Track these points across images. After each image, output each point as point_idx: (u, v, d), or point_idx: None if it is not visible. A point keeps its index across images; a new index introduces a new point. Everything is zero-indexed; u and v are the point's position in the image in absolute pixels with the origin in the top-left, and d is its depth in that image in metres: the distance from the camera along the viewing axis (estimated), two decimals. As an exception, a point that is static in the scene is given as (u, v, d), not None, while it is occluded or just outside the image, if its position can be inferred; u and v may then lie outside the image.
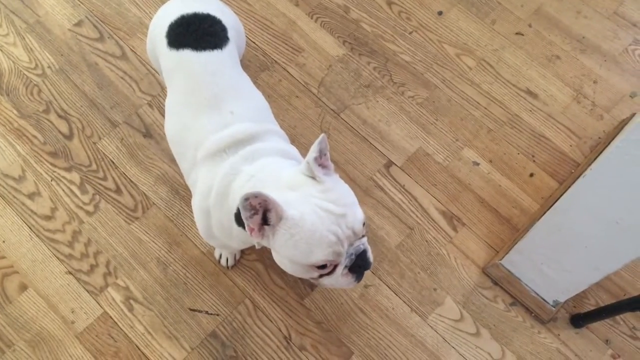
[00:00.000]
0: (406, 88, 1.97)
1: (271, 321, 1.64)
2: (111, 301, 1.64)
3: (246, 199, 1.03)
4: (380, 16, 2.09)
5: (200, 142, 1.29)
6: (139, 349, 1.59)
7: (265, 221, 1.10)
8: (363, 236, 1.17)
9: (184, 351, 1.59)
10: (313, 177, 1.12)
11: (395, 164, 1.85)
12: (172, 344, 1.60)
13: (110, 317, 1.63)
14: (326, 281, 1.18)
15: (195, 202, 1.31)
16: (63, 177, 1.78)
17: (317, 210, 1.08)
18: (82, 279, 1.67)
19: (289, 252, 1.11)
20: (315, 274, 1.15)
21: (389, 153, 1.87)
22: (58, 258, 1.68)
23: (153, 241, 1.71)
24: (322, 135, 1.10)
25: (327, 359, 1.60)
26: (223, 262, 1.68)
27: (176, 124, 1.37)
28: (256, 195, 1.03)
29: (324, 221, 1.08)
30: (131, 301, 1.64)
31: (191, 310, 1.64)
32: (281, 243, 1.11)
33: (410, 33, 2.06)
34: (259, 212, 1.08)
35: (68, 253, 1.69)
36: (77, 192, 1.77)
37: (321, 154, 1.12)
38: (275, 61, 1.99)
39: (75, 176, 1.79)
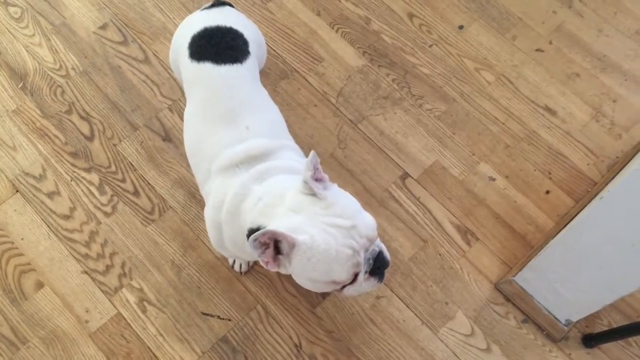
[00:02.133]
0: (424, 101, 1.97)
1: (282, 328, 1.65)
2: (125, 302, 1.66)
3: (254, 239, 1.04)
4: (401, 28, 2.10)
5: (214, 155, 1.30)
6: (150, 350, 1.61)
7: (278, 251, 1.12)
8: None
9: (194, 354, 1.61)
10: (313, 194, 1.12)
11: (411, 176, 1.86)
12: (184, 346, 1.62)
13: (124, 317, 1.64)
14: (350, 290, 1.18)
15: (208, 214, 1.33)
16: (83, 177, 1.81)
17: (326, 228, 1.09)
18: (97, 279, 1.69)
19: (309, 275, 1.13)
20: (338, 286, 1.16)
21: (405, 165, 1.87)
22: (75, 257, 1.71)
23: (168, 244, 1.73)
24: (313, 152, 1.11)
25: (336, 369, 1.61)
26: (237, 267, 1.70)
27: (193, 135, 1.38)
28: (264, 234, 1.05)
29: (337, 238, 1.09)
30: (145, 303, 1.66)
31: (203, 314, 1.66)
32: (300, 268, 1.12)
33: (430, 46, 2.07)
34: (270, 245, 1.09)
35: (85, 253, 1.72)
36: (96, 192, 1.79)
37: (314, 168, 1.12)
38: (295, 70, 2.01)
39: (94, 177, 1.81)
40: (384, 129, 1.93)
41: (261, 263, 1.13)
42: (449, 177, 1.87)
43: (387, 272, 1.34)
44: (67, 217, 1.76)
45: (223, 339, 1.63)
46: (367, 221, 1.13)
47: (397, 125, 1.93)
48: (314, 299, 1.68)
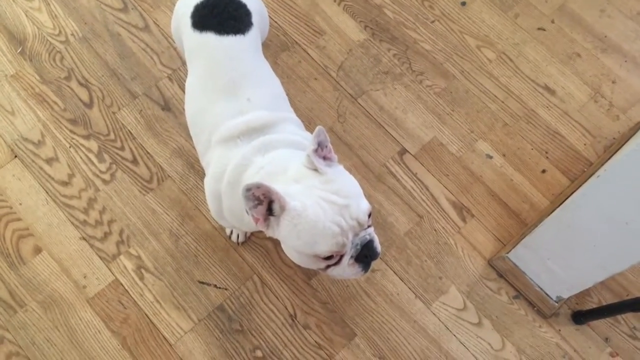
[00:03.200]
0: (425, 77, 1.97)
1: (278, 299, 1.67)
2: (123, 269, 1.68)
3: (248, 189, 1.05)
4: (403, 3, 2.08)
5: (215, 127, 1.31)
6: (147, 317, 1.63)
7: (271, 212, 1.13)
8: (369, 226, 1.19)
9: (191, 322, 1.63)
10: (316, 170, 1.14)
11: (409, 152, 1.87)
12: (180, 314, 1.64)
13: (121, 284, 1.66)
14: (334, 272, 1.19)
15: (208, 184, 1.33)
16: (81, 144, 1.81)
17: (319, 201, 1.10)
18: (95, 245, 1.70)
19: (293, 243, 1.13)
20: (322, 264, 1.17)
21: (403, 141, 1.88)
22: (73, 224, 1.72)
23: (166, 213, 1.74)
24: (319, 127, 1.11)
25: (330, 339, 1.63)
26: (234, 238, 1.71)
27: (194, 106, 1.39)
28: (258, 186, 1.06)
29: (327, 212, 1.10)
30: (142, 270, 1.68)
31: (200, 282, 1.68)
32: (285, 233, 1.13)
33: (432, 22, 2.06)
34: (264, 203, 1.10)
35: (83, 219, 1.73)
36: (95, 160, 1.80)
37: (321, 145, 1.14)
38: (296, 42, 2.00)
39: (93, 144, 1.81)
40: (383, 104, 1.93)
41: (251, 220, 1.14)
42: (447, 153, 1.88)
43: (374, 263, 1.35)
44: (65, 184, 1.76)
45: (219, 307, 1.65)
46: (361, 205, 1.14)
47: (396, 100, 1.93)
48: (310, 271, 1.70)
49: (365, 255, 1.17)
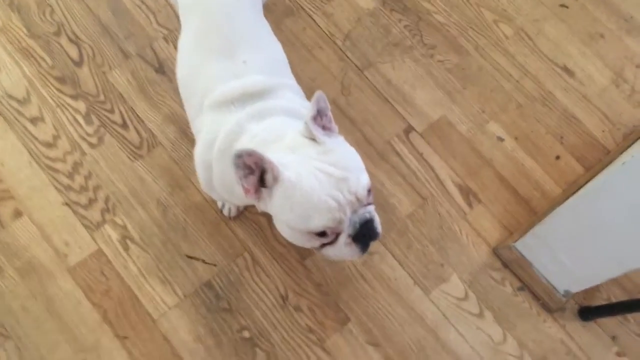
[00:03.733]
0: (436, 51, 1.86)
1: (269, 277, 1.58)
2: (107, 238, 1.59)
3: (239, 156, 0.96)
4: (418, -29, 1.96)
5: (208, 90, 1.20)
6: (131, 290, 1.54)
7: (263, 183, 1.04)
8: (369, 204, 1.10)
9: (176, 297, 1.54)
10: (313, 139, 1.05)
11: (416, 130, 1.76)
12: (165, 289, 1.55)
13: (105, 254, 1.57)
14: (329, 252, 1.10)
15: (198, 152, 1.24)
16: (69, 104, 1.71)
17: (316, 173, 1.01)
18: (79, 212, 1.60)
19: (286, 217, 1.05)
20: (316, 242, 1.08)
21: (410, 118, 1.77)
22: (56, 188, 1.62)
23: (155, 182, 1.64)
24: (318, 93, 1.02)
25: (322, 323, 1.55)
26: (225, 211, 1.61)
27: (186, 66, 1.28)
28: (250, 154, 0.97)
29: (323, 185, 1.01)
30: (127, 241, 1.59)
31: (188, 257, 1.58)
32: (278, 206, 1.04)
33: (447, -7, 1.94)
34: (255, 172, 1.02)
35: (67, 184, 1.63)
36: (82, 122, 1.69)
37: (321, 113, 1.05)
38: (302, 7, 1.88)
39: (81, 105, 1.71)
40: (391, 78, 1.82)
41: (242, 191, 1.05)
42: (456, 133, 1.77)
43: (373, 245, 1.25)
44: (50, 145, 1.66)
45: (207, 284, 1.56)
46: (361, 179, 1.05)
47: (405, 75, 1.82)
48: (304, 251, 1.61)
49: (364, 234, 1.07)
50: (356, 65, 1.82)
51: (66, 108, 1.70)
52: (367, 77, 1.81)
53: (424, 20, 1.89)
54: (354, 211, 1.05)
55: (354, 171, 1.05)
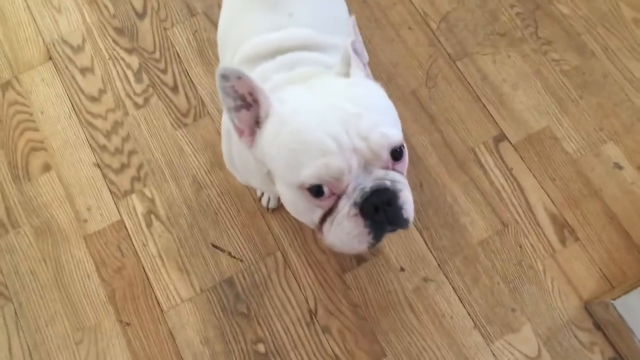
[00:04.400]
0: (552, 48, 1.51)
1: (300, 286, 1.34)
2: (131, 210, 1.42)
3: (224, 77, 0.77)
4: (546, -50, 1.61)
5: (242, 42, 0.98)
6: (145, 272, 1.37)
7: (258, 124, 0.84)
8: (395, 170, 0.83)
9: (191, 290, 1.35)
10: (345, 75, 0.84)
11: (509, 140, 1.43)
12: (182, 277, 1.36)
13: (126, 227, 1.41)
14: (329, 228, 0.85)
15: (223, 117, 1.03)
16: (122, 58, 1.56)
17: (322, 108, 0.79)
18: (108, 176, 1.45)
19: (273, 163, 0.83)
20: (315, 211, 0.84)
21: (504, 124, 1.45)
22: (91, 146, 1.48)
23: (195, 155, 1.45)
24: (354, 18, 0.85)
25: (352, 352, 1.28)
26: (264, 201, 1.39)
27: (226, 16, 1.08)
28: (239, 76, 0.76)
29: (325, 119, 0.78)
30: (152, 216, 1.41)
31: (213, 246, 1.38)
32: (266, 149, 0.83)
33: (579, -21, 1.58)
34: (251, 108, 0.82)
35: (102, 144, 1.48)
36: (132, 78, 1.54)
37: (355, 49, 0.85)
38: (397, -20, 1.61)
39: (134, 60, 1.55)
40: (489, 73, 1.50)
41: (235, 131, 0.85)
42: (560, 151, 1.42)
43: (394, 234, 0.96)
44: (94, 100, 1.52)
45: (228, 280, 1.35)
46: (383, 126, 0.79)
47: (507, 71, 1.49)
48: (347, 262, 1.35)
49: (377, 209, 0.81)
50: (448, 54, 1.52)
51: (118, 61, 1.55)
52: (459, 69, 1.50)
53: (543, 10, 1.55)
54: (366, 169, 0.80)
55: (374, 112, 0.79)
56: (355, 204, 0.81)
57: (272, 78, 0.91)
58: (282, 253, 1.37)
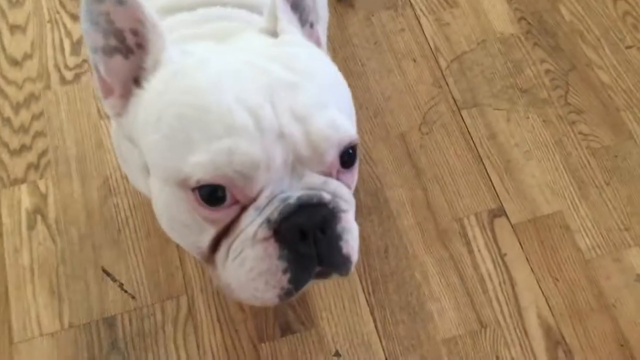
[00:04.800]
0: (581, 119, 1.21)
1: (199, 348, 1.00)
2: (15, 203, 1.10)
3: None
4: (593, 6, 1.34)
5: None
6: (6, 284, 1.04)
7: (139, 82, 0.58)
8: (340, 180, 0.58)
9: (57, 322, 1.01)
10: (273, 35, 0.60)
11: (508, 218, 1.12)
12: (51, 303, 1.03)
13: (1, 222, 1.09)
14: (227, 264, 0.56)
15: None
16: (64, 23, 1.28)
17: (239, 65, 0.54)
18: (1, 154, 1.15)
19: (146, 141, 0.56)
20: (203, 223, 0.55)
21: (506, 197, 1.14)
22: (-7, 116, 1.19)
23: (114, 153, 1.15)
24: None
25: None
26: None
27: None
28: (122, 1, 0.53)
29: (242, 81, 0.53)
30: (38, 217, 1.09)
31: (104, 271, 1.05)
32: (139, 113, 0.57)
33: (628, 47, 1.29)
34: (131, 55, 0.57)
35: (7, 116, 1.18)
36: (68, 49, 1.26)
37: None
38: (411, 3, 1.33)
39: (76, 30, 1.28)
40: (499, 131, 1.20)
41: (98, 86, 0.59)
42: (570, 245, 1.10)
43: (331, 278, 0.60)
44: (15, 63, 1.24)
45: (109, 320, 1.02)
46: (332, 110, 0.54)
47: (522, 134, 1.19)
48: (268, 328, 1.02)
49: (303, 230, 0.53)
50: (454, 99, 1.23)
51: (58, 27, 1.28)
52: (463, 119, 1.21)
53: (579, 72, 1.26)
54: (294, 170, 0.54)
55: (320, 87, 0.55)
56: (268, 222, 0.53)
57: (179, 31, 0.63)
58: (188, 298, 1.04)
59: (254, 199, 0.53)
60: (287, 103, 0.51)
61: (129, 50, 0.57)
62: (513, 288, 1.07)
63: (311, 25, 0.63)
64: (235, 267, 0.55)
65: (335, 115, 0.52)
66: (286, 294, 0.55)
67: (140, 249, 1.07)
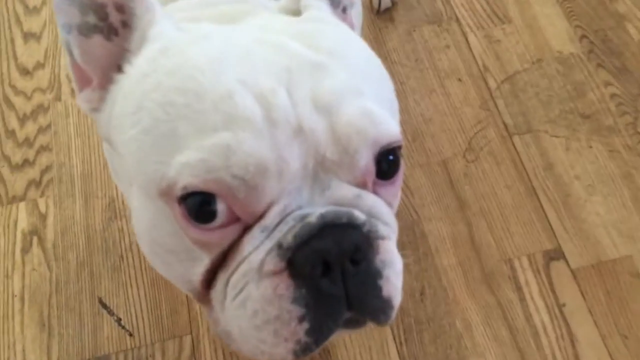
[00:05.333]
0: (655, 150, 1.06)
1: (200, 398, 0.87)
2: (11, 223, 1.00)
3: None
4: (666, 25, 1.19)
5: None
6: (-8, 314, 0.93)
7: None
8: (378, 195, 0.44)
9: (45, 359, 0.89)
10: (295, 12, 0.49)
11: (567, 261, 0.95)
12: (39, 337, 0.91)
13: (-5, 245, 0.99)
14: (226, 306, 0.44)
15: None
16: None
17: (246, 40, 0.43)
18: (2, 168, 1.05)
19: (124, 136, 0.44)
20: (192, 249, 0.43)
21: (565, 237, 0.98)
22: (-3, 129, 1.10)
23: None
24: None
25: None
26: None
27: None
28: None
29: (249, 59, 0.41)
30: (35, 239, 0.99)
31: (101, 303, 0.93)
32: (117, 102, 0.46)
33: None
34: (114, 37, 0.46)
35: (12, 128, 1.09)
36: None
37: None
38: (457, 18, 1.21)
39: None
40: (557, 162, 1.04)
41: (73, 75, 0.49)
42: (642, 297, 0.93)
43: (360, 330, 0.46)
44: (25, 73, 1.16)
45: (102, 359, 0.89)
46: (367, 99, 0.41)
47: (583, 165, 1.04)
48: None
49: (327, 261, 0.40)
50: (505, 124, 1.09)
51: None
52: (515, 147, 1.06)
53: (650, 97, 1.11)
54: (316, 179, 0.41)
55: (352, 71, 0.42)
56: (280, 248, 0.40)
57: (177, 15, 0.53)
58: (192, 339, 0.91)
59: (261, 217, 0.40)
60: (308, 88, 0.39)
61: (112, 30, 0.46)
62: (573, 345, 0.90)
63: (344, 10, 0.52)
64: (234, 310, 0.42)
65: (370, 105, 0.39)
66: (303, 350, 0.41)
67: (143, 279, 0.95)
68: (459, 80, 1.14)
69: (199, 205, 0.40)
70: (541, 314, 0.92)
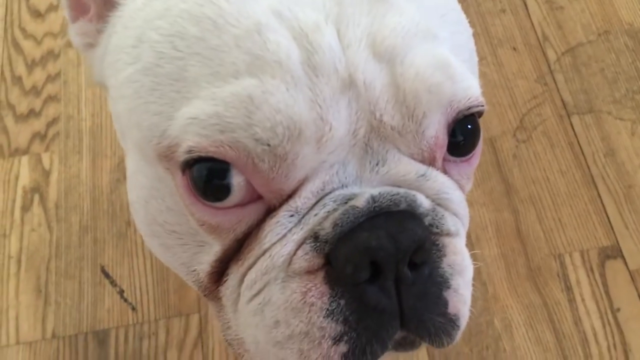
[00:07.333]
0: None
1: (205, 381, 0.79)
2: (12, 177, 0.92)
3: None
4: None
5: None
6: (-14, 276, 0.86)
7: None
8: (450, 176, 0.35)
9: (39, 330, 0.82)
10: None
11: (625, 260, 0.85)
12: (35, 305, 0.84)
13: (-6, 200, 0.91)
14: (239, 308, 0.35)
15: None
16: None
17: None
18: (4, 119, 0.97)
19: (118, 80, 0.35)
20: (197, 231, 0.34)
21: (624, 233, 0.87)
22: (2, 72, 1.01)
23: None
24: None
25: None
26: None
27: None
28: None
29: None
30: (36, 196, 0.91)
31: (103, 272, 0.86)
32: (113, 37, 0.37)
33: None
34: None
35: (18, 75, 1.01)
36: (99, 4, 1.08)
37: None
38: (516, -20, 1.09)
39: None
40: (619, 147, 0.93)
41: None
42: None
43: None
44: (37, 15, 1.07)
45: (101, 334, 0.82)
46: (443, 47, 0.31)
47: (650, 154, 0.92)
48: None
49: (377, 261, 0.30)
50: (563, 101, 0.97)
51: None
52: (572, 128, 0.95)
53: None
54: (369, 148, 0.31)
55: (426, 12, 0.33)
56: (315, 240, 0.31)
57: None
58: (200, 318, 0.83)
59: (290, 196, 0.31)
60: (364, 26, 0.30)
61: None
62: (626, 356, 0.80)
63: None
64: (250, 316, 0.33)
65: (447, 53, 0.29)
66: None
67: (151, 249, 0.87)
68: (514, 49, 1.02)
69: (208, 176, 0.31)
70: (592, 318, 0.82)
